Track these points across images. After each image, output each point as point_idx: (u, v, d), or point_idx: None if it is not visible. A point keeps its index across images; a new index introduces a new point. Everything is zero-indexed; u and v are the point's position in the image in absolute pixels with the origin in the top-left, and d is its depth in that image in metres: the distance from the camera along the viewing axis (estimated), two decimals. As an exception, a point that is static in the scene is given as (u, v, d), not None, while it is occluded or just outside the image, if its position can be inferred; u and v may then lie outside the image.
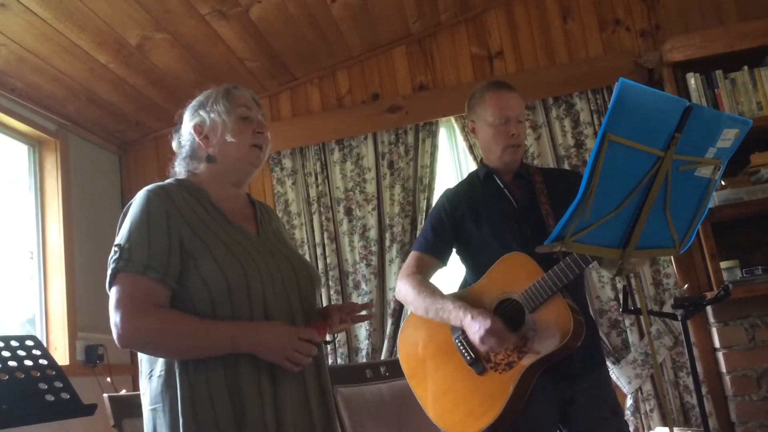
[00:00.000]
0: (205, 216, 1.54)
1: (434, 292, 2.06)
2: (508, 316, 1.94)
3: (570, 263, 1.85)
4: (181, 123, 1.69)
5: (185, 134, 1.67)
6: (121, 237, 1.48)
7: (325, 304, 3.39)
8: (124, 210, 1.54)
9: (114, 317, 1.42)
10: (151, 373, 1.48)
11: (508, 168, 2.14)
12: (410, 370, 2.13)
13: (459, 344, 2.00)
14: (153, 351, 1.47)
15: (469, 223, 2.10)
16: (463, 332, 1.98)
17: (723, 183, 3.01)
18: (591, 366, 2.01)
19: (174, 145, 1.71)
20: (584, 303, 2.11)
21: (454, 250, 2.19)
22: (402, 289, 2.13)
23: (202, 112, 1.64)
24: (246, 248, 1.52)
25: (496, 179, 2.14)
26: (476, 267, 2.09)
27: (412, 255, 2.18)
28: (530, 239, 1.92)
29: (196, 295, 1.45)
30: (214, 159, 1.62)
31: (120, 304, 1.41)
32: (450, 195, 2.19)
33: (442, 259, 2.16)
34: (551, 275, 1.87)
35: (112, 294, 1.44)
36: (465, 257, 2.17)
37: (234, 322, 1.45)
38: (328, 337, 1.65)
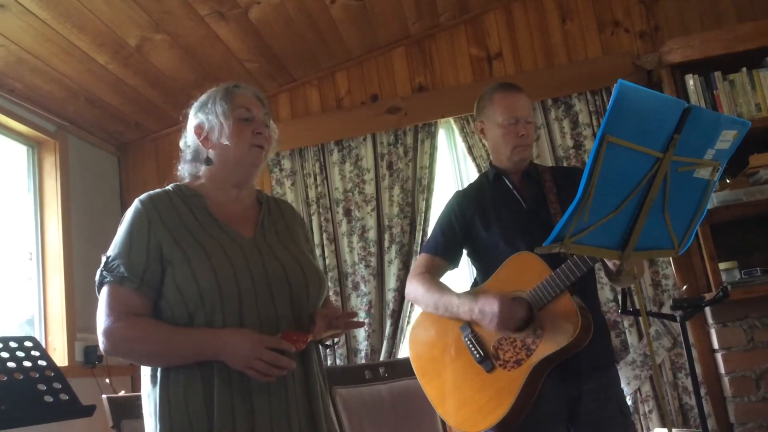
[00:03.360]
0: (191, 222, 1.53)
1: (443, 288, 2.09)
2: None
3: (577, 261, 1.86)
4: (186, 122, 1.69)
5: (189, 135, 1.67)
6: (110, 248, 1.53)
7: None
8: (121, 220, 1.58)
9: (97, 326, 1.48)
10: (144, 374, 1.52)
11: (517, 168, 2.16)
12: (420, 369, 2.15)
13: (468, 342, 2.03)
14: (126, 358, 1.52)
15: (478, 224, 2.12)
16: (472, 330, 2.02)
17: (728, 180, 3.01)
18: (600, 365, 2.02)
19: (181, 143, 1.70)
20: (595, 302, 2.11)
21: (464, 251, 2.20)
22: (411, 289, 2.16)
23: (201, 114, 1.63)
24: (228, 253, 1.49)
25: (505, 180, 2.16)
26: (485, 267, 2.11)
27: (422, 256, 2.20)
28: (538, 239, 1.91)
29: (172, 302, 1.47)
30: (213, 161, 1.61)
31: (100, 313, 1.48)
32: (459, 197, 2.21)
33: (452, 261, 2.18)
34: (559, 274, 1.89)
35: (99, 303, 1.50)
36: (474, 258, 2.19)
37: (201, 329, 1.44)
38: (327, 341, 1.63)
